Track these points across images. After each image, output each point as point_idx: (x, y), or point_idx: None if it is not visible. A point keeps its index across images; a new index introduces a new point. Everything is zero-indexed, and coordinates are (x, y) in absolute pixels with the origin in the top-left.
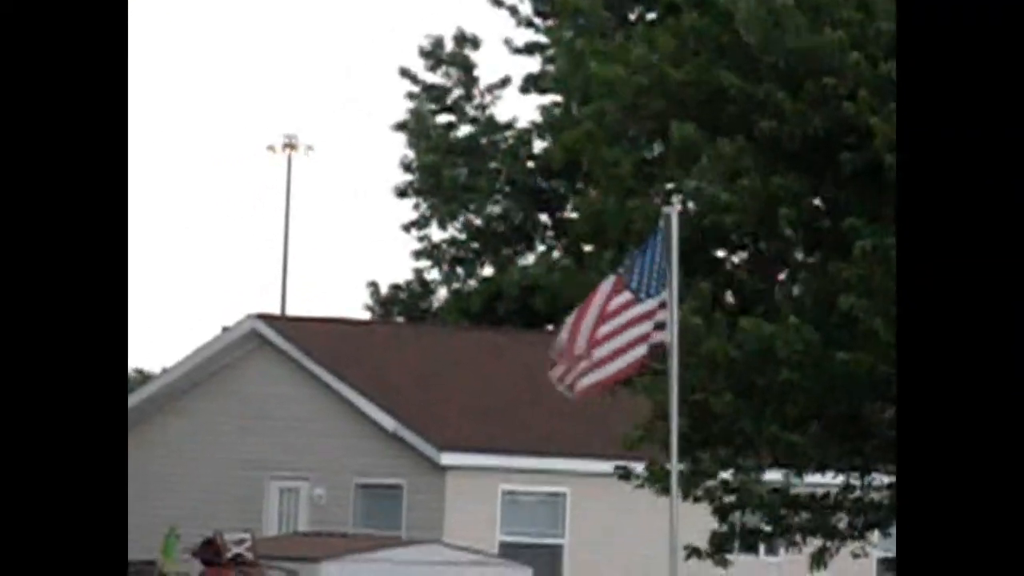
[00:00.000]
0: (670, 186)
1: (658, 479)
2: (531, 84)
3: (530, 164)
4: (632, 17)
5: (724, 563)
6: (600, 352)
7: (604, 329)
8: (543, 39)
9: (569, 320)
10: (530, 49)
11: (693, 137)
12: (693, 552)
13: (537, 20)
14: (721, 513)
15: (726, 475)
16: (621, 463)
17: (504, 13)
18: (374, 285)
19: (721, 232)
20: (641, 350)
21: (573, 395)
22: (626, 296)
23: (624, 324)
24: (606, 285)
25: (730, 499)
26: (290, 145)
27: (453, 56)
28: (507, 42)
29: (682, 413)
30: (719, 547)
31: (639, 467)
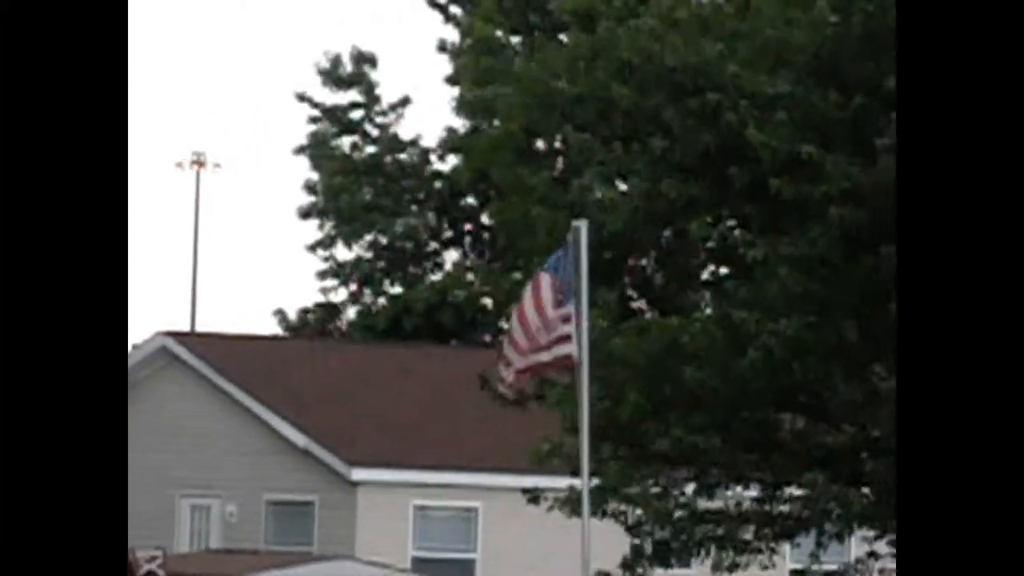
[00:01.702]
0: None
1: (567, 503)
2: (453, 80)
3: (437, 184)
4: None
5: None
6: (521, 343)
7: (535, 322)
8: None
9: (512, 321)
10: (445, 49)
11: (589, 144)
12: None
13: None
14: (631, 530)
15: (632, 490)
16: (529, 485)
17: (395, 26)
18: (281, 313)
19: (626, 240)
20: (564, 349)
21: (506, 392)
22: (552, 293)
23: (548, 320)
24: (543, 279)
25: (638, 514)
26: (198, 162)
27: (352, 76)
28: (439, 42)
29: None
30: (631, 567)
31: (550, 483)
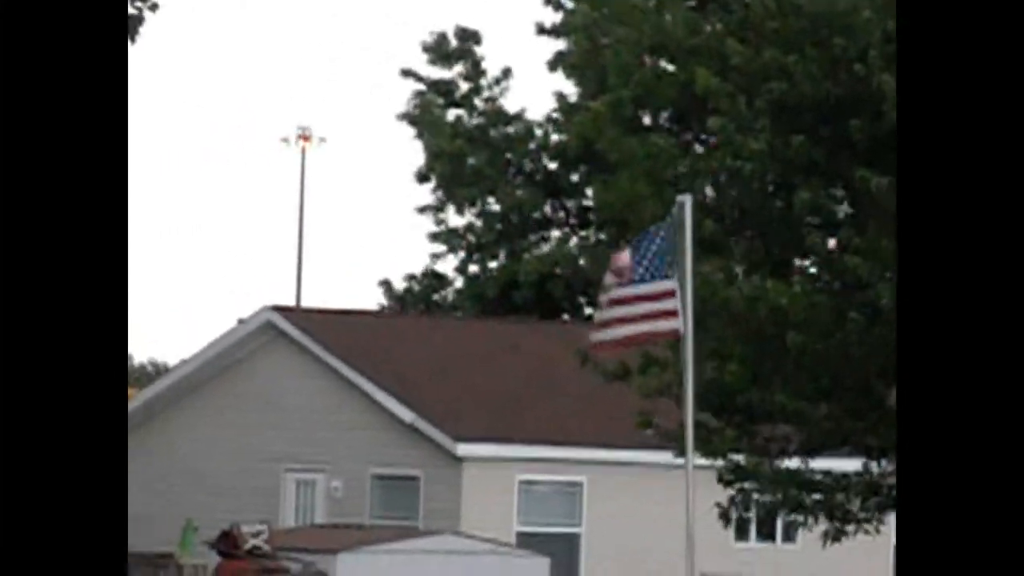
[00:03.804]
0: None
1: (674, 438)
2: (558, 63)
3: (544, 155)
4: None
5: (728, 523)
6: (618, 311)
7: (624, 291)
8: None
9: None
10: (556, 32)
11: (716, 88)
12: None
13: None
14: (729, 482)
15: (738, 457)
16: (634, 459)
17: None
18: (387, 283)
19: (736, 211)
20: (670, 323)
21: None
22: (632, 270)
23: (639, 296)
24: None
25: (742, 484)
26: (303, 137)
27: (457, 51)
28: (538, 24)
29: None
30: (726, 514)
31: (655, 457)
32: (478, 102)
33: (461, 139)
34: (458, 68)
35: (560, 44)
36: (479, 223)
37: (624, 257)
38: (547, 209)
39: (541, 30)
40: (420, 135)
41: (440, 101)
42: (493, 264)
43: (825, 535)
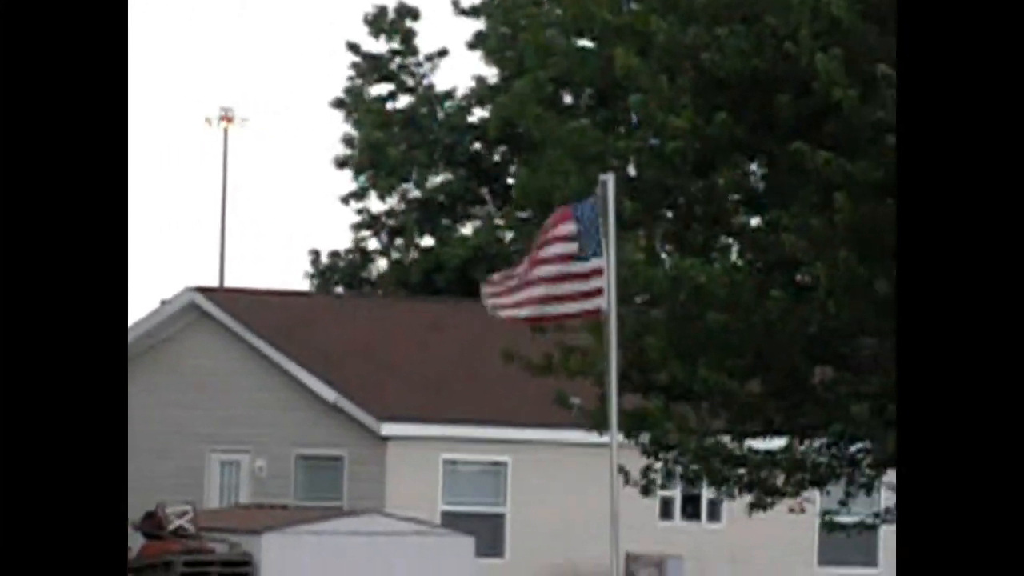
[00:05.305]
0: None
1: (595, 418)
2: (478, 43)
3: (468, 135)
4: None
5: (648, 493)
6: (537, 289)
7: (546, 269)
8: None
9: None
10: (475, 11)
11: (636, 67)
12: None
13: None
14: (653, 454)
15: (665, 429)
16: (557, 439)
17: None
18: (315, 253)
19: (657, 189)
20: (594, 302)
21: (496, 314)
22: (570, 234)
23: (564, 275)
24: (554, 217)
25: (667, 455)
26: (226, 118)
27: (393, 25)
28: (454, 3)
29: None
30: (648, 484)
31: (581, 437)
32: (407, 80)
33: (388, 126)
34: (394, 44)
35: (480, 24)
36: (401, 207)
37: (569, 227)
38: (477, 189)
39: (460, 11)
40: (348, 117)
41: (373, 77)
42: (415, 251)
43: (751, 506)
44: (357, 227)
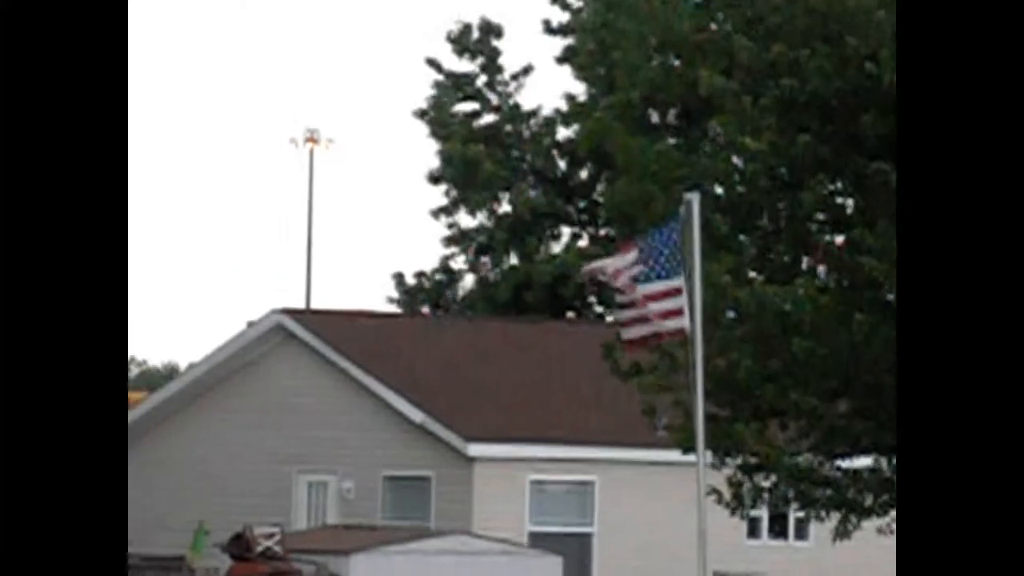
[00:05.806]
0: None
1: (681, 434)
2: (567, 57)
3: (555, 152)
4: None
5: (735, 512)
6: (631, 312)
7: (632, 293)
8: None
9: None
10: (564, 31)
11: (721, 87)
12: (713, 492)
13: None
14: (745, 470)
15: (753, 458)
16: (645, 459)
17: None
18: (399, 276)
19: (743, 207)
20: (676, 322)
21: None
22: (633, 260)
23: (648, 296)
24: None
25: (757, 476)
26: (312, 139)
27: (478, 44)
28: (545, 22)
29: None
30: (740, 502)
31: (667, 456)
32: (492, 97)
33: (473, 142)
34: (479, 62)
35: (570, 41)
36: (490, 224)
37: (622, 260)
38: (557, 208)
39: (549, 29)
40: (434, 133)
41: (458, 96)
42: (504, 267)
43: (836, 532)
44: (447, 242)
